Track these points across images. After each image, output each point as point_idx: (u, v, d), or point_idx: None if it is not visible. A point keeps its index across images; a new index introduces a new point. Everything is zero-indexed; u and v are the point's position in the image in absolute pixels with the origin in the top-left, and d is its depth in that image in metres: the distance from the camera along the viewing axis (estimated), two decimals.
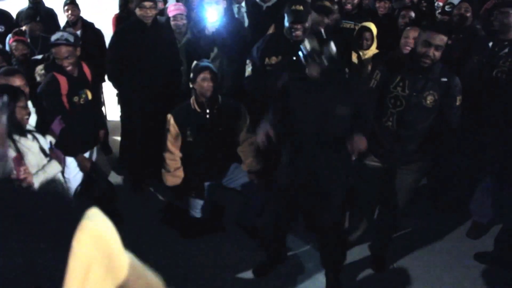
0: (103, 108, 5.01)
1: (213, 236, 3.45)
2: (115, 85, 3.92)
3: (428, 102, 2.66)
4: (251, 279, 3.05)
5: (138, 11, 3.63)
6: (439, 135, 2.82)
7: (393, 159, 2.86)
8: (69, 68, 3.02)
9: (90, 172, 3.24)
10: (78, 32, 4.40)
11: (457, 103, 2.69)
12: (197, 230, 3.43)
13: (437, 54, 2.59)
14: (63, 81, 3.01)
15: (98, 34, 4.59)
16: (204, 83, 3.14)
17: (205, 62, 3.30)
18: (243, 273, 3.10)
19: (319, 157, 2.63)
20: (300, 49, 2.59)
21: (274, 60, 3.22)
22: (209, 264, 3.17)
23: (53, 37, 2.99)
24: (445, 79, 2.65)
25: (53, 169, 2.50)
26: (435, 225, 3.64)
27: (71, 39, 3.01)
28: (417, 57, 2.62)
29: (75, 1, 4.50)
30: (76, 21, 4.45)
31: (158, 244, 3.37)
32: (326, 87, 2.55)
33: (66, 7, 4.44)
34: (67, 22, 4.47)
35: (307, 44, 2.53)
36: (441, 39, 2.58)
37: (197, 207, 3.40)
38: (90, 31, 4.49)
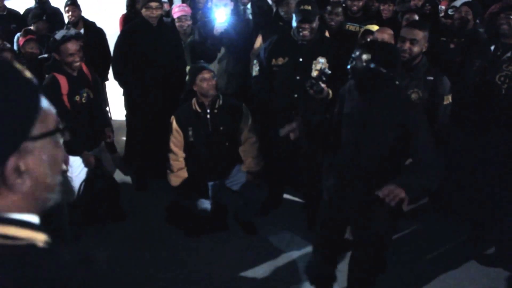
0: (107, 108, 5.05)
1: (216, 234, 3.48)
2: (121, 84, 3.96)
3: (412, 99, 2.72)
4: (254, 277, 3.08)
5: (144, 11, 3.67)
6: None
7: None
8: (77, 64, 3.04)
9: (95, 168, 3.26)
10: (80, 32, 4.45)
11: (445, 102, 2.75)
12: (200, 228, 3.47)
13: (414, 48, 2.68)
14: (63, 81, 3.03)
15: (100, 33, 4.61)
16: (203, 83, 3.19)
17: (200, 63, 3.35)
18: (246, 271, 3.12)
19: (359, 181, 2.37)
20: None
21: (280, 61, 3.26)
22: (212, 262, 3.20)
23: (59, 35, 3.00)
24: (431, 78, 2.72)
25: None
26: (436, 226, 3.67)
27: (79, 35, 3.04)
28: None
29: (76, 2, 4.53)
30: (77, 21, 4.47)
31: (163, 242, 3.40)
32: (370, 95, 2.28)
33: (67, 8, 4.46)
34: (68, 22, 4.51)
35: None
36: (414, 33, 2.68)
37: (202, 206, 3.43)
38: (92, 30, 4.52)
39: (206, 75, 3.20)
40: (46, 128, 0.76)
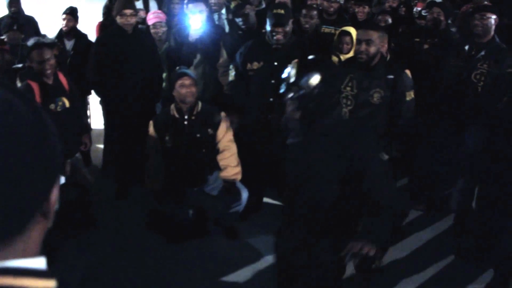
0: (88, 120, 5.00)
1: (198, 240, 3.45)
2: (97, 92, 3.93)
3: (375, 99, 2.80)
4: (236, 281, 3.07)
5: (119, 19, 3.66)
6: (394, 129, 2.93)
7: None
8: (49, 71, 3.00)
9: (69, 177, 3.22)
10: (71, 42, 4.43)
11: (407, 98, 2.82)
12: (182, 234, 3.44)
13: (370, 49, 2.74)
14: (37, 88, 3.00)
15: (90, 45, 4.55)
16: (182, 89, 3.18)
17: (182, 69, 3.33)
18: (229, 276, 3.11)
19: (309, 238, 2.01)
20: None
21: (256, 65, 3.28)
22: (194, 268, 3.17)
23: (30, 42, 2.98)
24: (391, 76, 2.79)
25: None
26: (416, 224, 3.70)
27: (50, 42, 3.00)
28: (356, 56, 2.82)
29: (74, 12, 4.49)
30: (70, 31, 4.44)
31: (144, 249, 3.36)
32: (310, 135, 1.91)
33: (63, 16, 4.44)
34: (61, 30, 4.47)
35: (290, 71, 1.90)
36: (367, 33, 2.75)
37: (180, 212, 3.41)
38: (83, 42, 4.48)
39: (186, 81, 3.19)
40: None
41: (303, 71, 1.82)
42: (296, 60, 2.41)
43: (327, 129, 1.85)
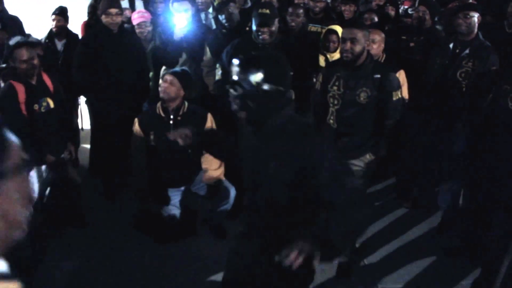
0: (79, 120, 4.96)
1: (185, 239, 3.44)
2: (83, 92, 3.90)
3: (361, 98, 2.79)
4: None
5: (104, 18, 3.63)
6: (382, 129, 2.92)
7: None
8: (32, 71, 2.97)
9: (60, 172, 3.19)
10: (62, 43, 4.39)
11: (394, 98, 2.82)
12: (169, 234, 3.42)
13: (355, 47, 2.73)
14: (20, 89, 2.97)
15: None
16: (162, 85, 3.18)
17: (175, 69, 3.32)
18: (217, 275, 3.09)
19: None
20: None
21: None
22: (182, 268, 3.16)
23: (12, 41, 2.94)
24: (378, 76, 2.78)
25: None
26: (404, 222, 3.73)
27: (33, 41, 2.97)
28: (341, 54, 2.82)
29: (64, 12, 4.44)
30: (61, 31, 4.39)
31: (131, 250, 3.34)
32: (259, 135, 1.77)
33: (53, 17, 4.39)
34: (51, 30, 4.41)
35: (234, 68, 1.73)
36: (352, 32, 2.74)
37: (170, 212, 3.40)
38: (74, 42, 4.43)
39: (167, 77, 3.19)
40: (14, 164, 0.70)
41: (246, 67, 1.66)
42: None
43: (276, 129, 1.70)
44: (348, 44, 2.73)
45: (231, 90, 1.68)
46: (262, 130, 1.74)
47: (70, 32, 4.52)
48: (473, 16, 3.26)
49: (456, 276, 3.09)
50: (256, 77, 1.63)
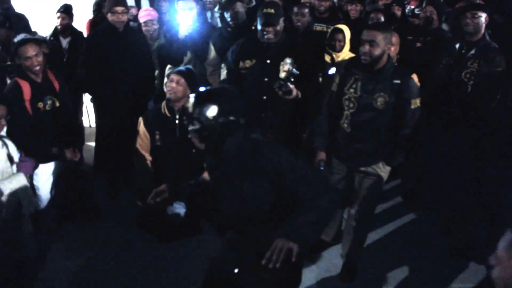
0: (83, 119, 4.98)
1: (190, 238, 3.44)
2: (88, 90, 3.90)
3: (378, 103, 2.69)
4: None
5: (110, 16, 3.63)
6: (397, 138, 2.81)
7: (349, 161, 2.90)
8: (37, 68, 2.96)
9: (75, 164, 3.23)
10: (67, 40, 4.39)
11: (412, 106, 2.71)
12: (173, 234, 3.42)
13: (374, 50, 2.63)
14: (26, 86, 2.97)
15: None
16: (169, 85, 3.16)
17: (180, 68, 3.31)
18: None
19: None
20: None
21: (248, 63, 3.24)
22: (187, 267, 3.16)
23: (18, 38, 2.94)
24: (397, 81, 2.68)
25: (18, 182, 2.44)
26: (410, 224, 3.71)
27: (39, 38, 2.97)
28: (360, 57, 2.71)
29: (69, 10, 4.44)
30: (65, 29, 4.40)
31: (135, 248, 3.35)
32: (221, 163, 1.89)
33: (58, 14, 4.40)
34: (55, 28, 4.42)
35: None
36: (371, 34, 2.64)
37: (174, 211, 3.39)
38: (79, 39, 4.44)
39: (173, 76, 3.17)
40: None
41: (199, 103, 1.78)
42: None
43: (233, 152, 1.81)
44: (367, 47, 2.63)
45: (190, 126, 1.81)
46: (220, 156, 1.83)
47: (74, 29, 4.53)
48: (481, 16, 3.23)
49: (462, 278, 3.08)
50: (212, 111, 1.75)
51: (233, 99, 1.83)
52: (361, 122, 2.77)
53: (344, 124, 2.83)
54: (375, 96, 2.69)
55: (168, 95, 3.18)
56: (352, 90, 2.78)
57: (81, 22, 5.05)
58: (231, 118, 1.78)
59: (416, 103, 2.74)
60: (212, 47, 3.78)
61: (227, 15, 3.83)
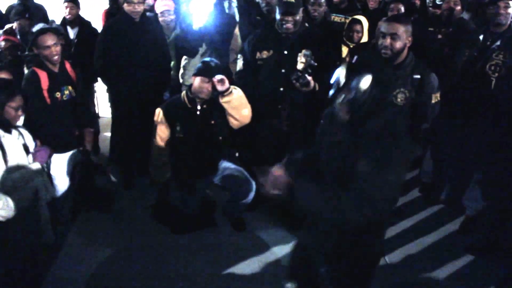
0: (95, 109, 5.00)
1: (204, 231, 3.44)
2: (104, 81, 3.90)
3: (399, 99, 2.63)
4: (243, 274, 3.04)
5: (126, 6, 3.61)
6: (418, 134, 2.77)
7: None
8: (55, 57, 2.97)
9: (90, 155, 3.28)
10: (75, 30, 4.38)
11: (433, 101, 2.64)
12: (188, 225, 3.42)
13: (396, 44, 2.55)
14: (43, 76, 2.98)
15: (95, 33, 4.50)
16: (203, 84, 3.10)
17: (206, 64, 3.23)
18: (235, 267, 3.09)
19: None
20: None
21: (265, 54, 3.21)
22: (200, 259, 3.16)
23: (36, 28, 2.95)
24: (417, 76, 2.61)
25: (35, 170, 2.45)
26: (428, 219, 3.65)
27: (57, 29, 2.97)
28: (379, 50, 2.62)
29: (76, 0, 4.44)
30: (73, 19, 4.39)
31: (149, 240, 3.35)
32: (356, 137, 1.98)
33: (65, 4, 4.37)
34: (64, 18, 4.42)
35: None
36: (394, 27, 2.56)
37: (187, 204, 3.39)
38: (87, 30, 4.44)
39: (204, 78, 3.10)
40: None
41: (353, 73, 1.82)
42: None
43: (375, 132, 1.84)
44: (388, 40, 2.55)
45: (340, 96, 1.86)
46: (361, 132, 1.86)
47: (82, 19, 4.49)
48: (511, 6, 3.13)
49: (479, 276, 3.01)
50: (365, 83, 1.81)
51: (386, 75, 2.01)
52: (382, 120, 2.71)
53: None
54: (395, 93, 2.62)
55: (202, 95, 3.12)
56: None
57: (96, 13, 5.05)
58: (382, 93, 1.82)
59: (436, 97, 2.68)
60: (238, 34, 3.72)
61: (261, 2, 3.76)
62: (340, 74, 1.85)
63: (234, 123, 3.18)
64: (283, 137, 3.30)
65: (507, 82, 3.04)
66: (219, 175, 3.38)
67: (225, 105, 3.10)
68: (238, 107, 3.11)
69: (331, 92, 1.99)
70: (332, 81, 2.07)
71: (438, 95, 2.68)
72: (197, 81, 3.12)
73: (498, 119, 3.09)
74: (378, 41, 2.64)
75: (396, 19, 2.66)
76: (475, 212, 3.40)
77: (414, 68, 2.63)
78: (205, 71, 3.11)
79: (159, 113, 3.23)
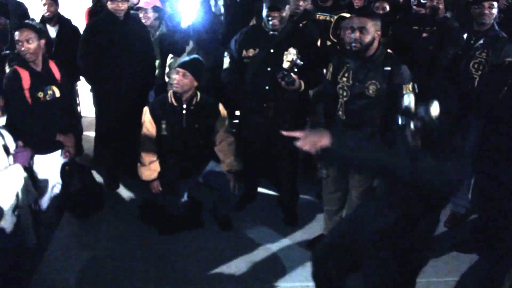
0: (78, 108, 4.93)
1: (191, 231, 3.41)
2: (88, 80, 3.84)
3: (370, 91, 2.73)
4: (231, 273, 3.03)
5: (109, 5, 3.56)
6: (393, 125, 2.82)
7: None
8: (27, 55, 2.88)
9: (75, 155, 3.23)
10: (55, 29, 4.27)
11: (404, 92, 2.67)
12: (175, 226, 3.40)
13: (365, 37, 2.66)
14: (25, 75, 2.91)
15: (75, 31, 4.42)
16: (175, 77, 3.11)
17: (185, 59, 3.23)
18: (223, 267, 3.08)
19: None
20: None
21: (251, 52, 3.20)
22: (188, 260, 3.14)
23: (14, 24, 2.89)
24: (388, 68, 2.70)
25: (15, 173, 2.40)
26: None
27: (36, 25, 2.91)
28: (349, 45, 2.74)
29: None
30: (52, 17, 4.29)
31: (136, 240, 3.32)
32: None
33: (43, 2, 4.25)
34: (43, 16, 4.33)
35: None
36: (361, 21, 2.67)
37: (172, 204, 3.36)
38: (67, 28, 4.34)
39: (180, 69, 3.10)
40: None
41: (421, 99, 1.88)
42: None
43: (446, 157, 1.83)
44: (357, 34, 2.66)
45: (410, 123, 1.90)
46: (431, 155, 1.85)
47: (62, 17, 4.36)
48: (495, 7, 3.18)
49: (465, 271, 3.05)
50: (434, 109, 1.84)
51: (452, 98, 1.91)
52: (354, 110, 2.80)
53: (339, 112, 2.86)
54: (367, 84, 2.73)
55: (175, 88, 3.12)
56: (344, 79, 2.81)
57: (76, 11, 4.96)
58: (451, 117, 1.85)
59: (407, 88, 2.72)
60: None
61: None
62: (409, 102, 1.92)
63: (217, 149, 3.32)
64: (268, 135, 3.30)
65: (489, 80, 3.07)
66: (206, 174, 3.37)
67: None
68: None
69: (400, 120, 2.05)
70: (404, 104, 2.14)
71: (409, 86, 2.70)
72: (174, 74, 3.12)
73: (481, 117, 3.13)
74: (345, 35, 2.77)
75: (365, 14, 2.77)
76: (464, 209, 3.43)
77: (385, 61, 2.73)
78: (183, 64, 3.13)
79: (145, 112, 3.23)
